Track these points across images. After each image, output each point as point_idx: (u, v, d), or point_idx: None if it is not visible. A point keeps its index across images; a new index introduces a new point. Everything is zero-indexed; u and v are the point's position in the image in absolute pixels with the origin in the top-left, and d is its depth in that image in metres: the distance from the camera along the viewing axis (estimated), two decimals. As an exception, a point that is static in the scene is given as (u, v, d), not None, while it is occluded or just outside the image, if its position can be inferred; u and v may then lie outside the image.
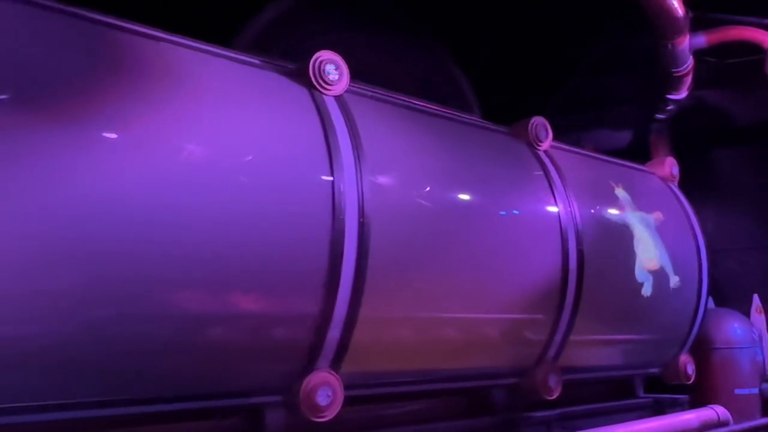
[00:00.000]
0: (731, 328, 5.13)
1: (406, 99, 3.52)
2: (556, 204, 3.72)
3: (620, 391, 4.68)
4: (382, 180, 2.99)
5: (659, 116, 6.08)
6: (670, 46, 4.67)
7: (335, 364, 2.84)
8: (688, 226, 4.69)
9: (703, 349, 4.97)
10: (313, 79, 3.01)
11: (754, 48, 5.58)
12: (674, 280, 4.37)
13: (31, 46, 2.26)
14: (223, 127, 2.62)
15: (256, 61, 3.00)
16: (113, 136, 2.34)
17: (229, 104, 2.70)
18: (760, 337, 5.37)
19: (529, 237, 3.54)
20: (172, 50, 2.69)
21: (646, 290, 4.11)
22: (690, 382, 4.65)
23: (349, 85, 3.11)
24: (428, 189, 3.19)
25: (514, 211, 3.56)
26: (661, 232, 4.36)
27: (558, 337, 3.69)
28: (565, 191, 3.82)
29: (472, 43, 5.26)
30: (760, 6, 5.15)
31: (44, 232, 2.14)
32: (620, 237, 4.09)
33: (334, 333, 2.78)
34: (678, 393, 4.83)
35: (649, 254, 4.19)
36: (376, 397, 3.27)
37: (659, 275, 4.25)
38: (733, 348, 5.05)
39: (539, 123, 4.00)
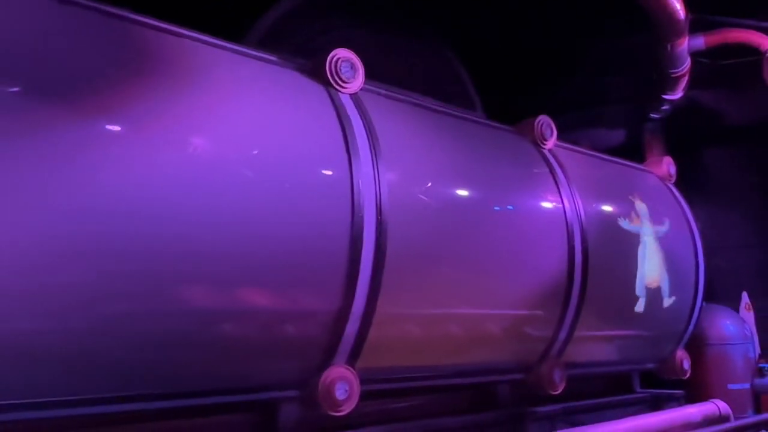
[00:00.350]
0: (724, 324, 5.24)
1: (417, 98, 3.56)
2: (562, 202, 3.78)
3: (617, 386, 4.77)
4: (398, 177, 3.02)
5: (654, 115, 6.16)
6: (669, 47, 4.74)
7: (351, 359, 2.88)
8: (685, 225, 4.78)
9: (697, 345, 5.07)
10: (329, 76, 3.04)
11: (746, 50, 5.68)
12: (673, 279, 4.45)
13: (55, 42, 2.26)
14: (245, 124, 2.64)
15: (273, 58, 3.01)
16: (134, 132, 2.34)
17: (250, 101, 2.72)
18: (752, 334, 5.49)
19: (537, 235, 3.60)
20: (193, 47, 2.69)
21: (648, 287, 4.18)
22: (686, 377, 4.75)
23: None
24: (441, 187, 3.23)
25: (523, 210, 3.61)
26: (659, 232, 4.44)
27: (563, 334, 3.76)
28: (570, 190, 3.88)
29: (473, 42, 5.30)
30: (757, 9, 5.24)
31: (65, 229, 2.14)
32: (622, 236, 4.16)
33: (351, 329, 2.81)
34: (671, 388, 4.93)
35: (648, 255, 4.27)
36: (383, 392, 3.30)
37: (659, 275, 4.33)
38: (726, 344, 5.16)
39: (545, 122, 4.06)
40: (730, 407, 4.60)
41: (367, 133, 2.97)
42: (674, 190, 5.01)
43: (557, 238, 3.68)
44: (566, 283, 3.69)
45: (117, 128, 2.30)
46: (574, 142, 4.87)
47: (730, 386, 5.01)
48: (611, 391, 4.63)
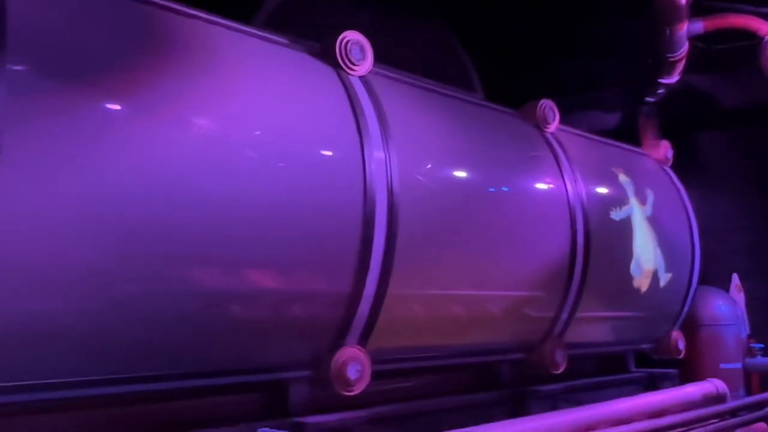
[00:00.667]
0: (717, 305, 5.35)
1: (424, 81, 3.57)
2: (565, 185, 3.83)
3: (613, 366, 4.85)
4: (408, 160, 3.04)
5: (649, 99, 6.20)
6: (668, 31, 4.78)
7: (363, 340, 2.92)
8: (682, 208, 4.85)
9: (690, 326, 5.17)
10: (339, 59, 3.04)
11: (741, 34, 5.73)
12: (669, 261, 4.53)
13: (70, 24, 2.25)
14: (260, 106, 2.65)
15: (284, 41, 3.01)
16: (148, 115, 2.33)
17: (264, 83, 2.72)
18: (743, 314, 5.60)
19: (541, 217, 3.65)
20: (207, 28, 2.69)
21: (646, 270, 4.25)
22: (681, 356, 4.85)
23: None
24: (449, 170, 3.26)
25: (528, 193, 3.66)
26: (657, 215, 4.51)
27: (565, 314, 3.82)
28: (573, 173, 3.93)
29: (473, 24, 5.30)
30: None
31: (81, 211, 2.14)
32: (623, 219, 4.22)
33: (363, 310, 2.85)
34: (662, 367, 5.03)
35: (646, 237, 4.34)
36: (391, 372, 3.34)
37: (657, 256, 4.40)
38: (718, 325, 5.27)
39: (547, 105, 4.09)
40: (725, 386, 4.71)
41: (377, 116, 2.98)
42: (671, 173, 5.08)
43: (560, 221, 3.73)
44: (569, 264, 3.75)
45: (132, 111, 2.30)
46: (571, 125, 4.92)
47: (722, 365, 5.12)
48: (607, 371, 4.72)
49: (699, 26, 5.20)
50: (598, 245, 3.88)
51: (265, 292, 2.66)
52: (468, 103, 3.75)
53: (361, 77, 3.10)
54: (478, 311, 3.40)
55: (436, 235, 3.11)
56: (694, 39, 5.66)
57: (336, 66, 3.04)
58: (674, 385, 4.71)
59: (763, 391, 5.32)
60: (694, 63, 6.04)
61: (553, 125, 4.09)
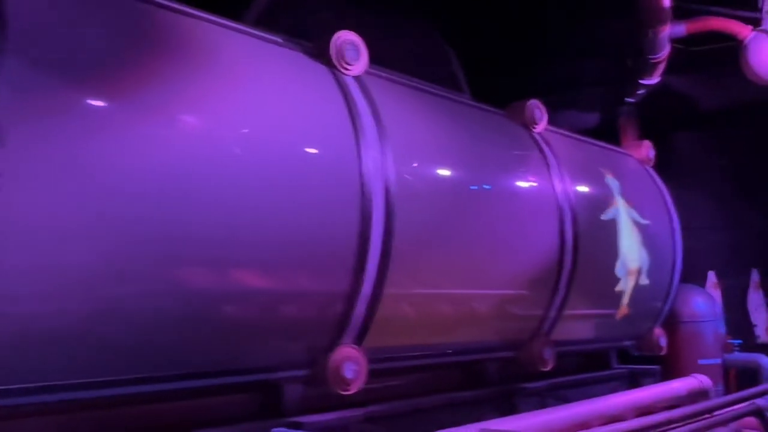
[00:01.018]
0: (696, 302, 5.45)
1: (416, 81, 3.59)
2: (553, 185, 3.88)
3: (596, 363, 4.93)
4: (403, 160, 3.06)
5: (629, 99, 6.30)
6: (652, 33, 4.86)
7: (359, 339, 2.92)
8: (664, 208, 4.94)
9: (670, 322, 5.27)
10: (334, 58, 3.04)
11: (718, 36, 5.85)
12: (652, 259, 4.62)
13: (72, 23, 2.22)
14: (257, 106, 2.64)
15: (279, 40, 3.00)
16: (146, 115, 2.31)
17: (261, 82, 2.71)
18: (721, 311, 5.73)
19: (532, 217, 3.70)
20: (203, 27, 2.67)
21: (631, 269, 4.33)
22: (663, 353, 4.94)
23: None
24: (443, 169, 3.28)
25: (519, 192, 3.70)
26: (642, 214, 4.59)
27: (553, 312, 3.87)
28: (561, 172, 3.98)
29: (459, 24, 5.34)
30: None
31: (81, 212, 2.11)
32: (609, 218, 4.29)
33: (360, 309, 2.86)
34: (642, 364, 5.12)
35: (632, 237, 4.42)
36: (385, 371, 3.35)
37: (641, 256, 4.48)
38: (698, 321, 5.37)
39: (535, 105, 4.13)
40: (704, 382, 4.81)
41: (372, 116, 2.99)
42: (653, 173, 5.17)
43: (550, 220, 3.78)
44: (557, 262, 3.80)
45: (129, 110, 2.27)
46: (552, 125, 4.98)
47: (701, 361, 5.22)
48: (589, 368, 4.79)
49: (681, 29, 5.31)
50: (585, 245, 3.94)
51: (263, 292, 2.65)
52: (459, 103, 3.78)
53: (355, 77, 3.10)
54: (471, 309, 3.43)
55: (431, 234, 3.14)
56: (674, 41, 5.77)
57: (330, 65, 3.04)
58: (655, 381, 4.81)
59: (740, 386, 5.46)
60: (672, 64, 6.16)
61: (541, 125, 4.14)
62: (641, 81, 5.84)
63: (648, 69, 5.53)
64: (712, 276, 6.73)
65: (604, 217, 4.23)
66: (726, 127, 6.80)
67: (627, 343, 4.93)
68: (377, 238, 2.83)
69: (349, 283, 2.80)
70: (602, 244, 4.22)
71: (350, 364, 2.85)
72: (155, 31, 2.44)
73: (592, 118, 7.01)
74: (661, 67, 5.60)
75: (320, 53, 3.05)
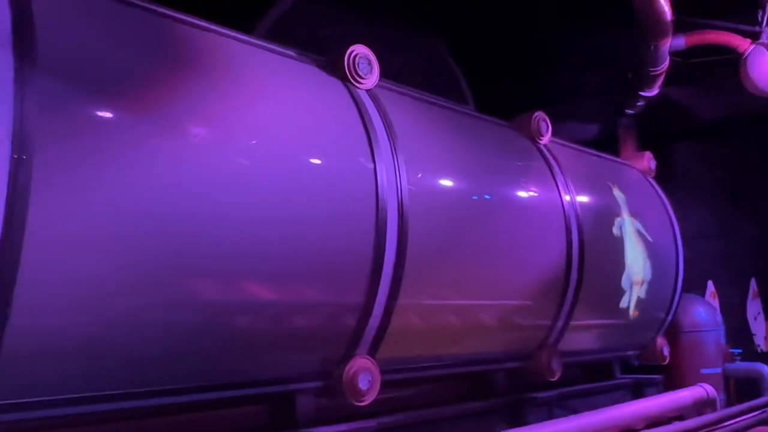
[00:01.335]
0: (697, 312, 5.50)
1: (426, 94, 3.63)
2: (560, 196, 3.91)
3: (598, 373, 4.96)
4: (415, 172, 3.08)
5: (628, 111, 6.36)
6: (653, 47, 4.92)
7: (372, 350, 2.94)
8: (667, 219, 4.99)
9: (672, 332, 5.30)
10: (347, 72, 3.07)
11: (716, 49, 5.92)
12: (656, 270, 4.66)
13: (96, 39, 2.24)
14: (276, 119, 2.66)
15: (293, 53, 3.03)
16: (168, 130, 2.33)
17: (278, 96, 2.73)
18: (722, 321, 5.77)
19: (540, 229, 3.73)
20: (221, 41, 2.69)
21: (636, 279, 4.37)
22: (665, 362, 4.98)
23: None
24: (454, 182, 3.31)
25: (527, 204, 3.74)
26: (646, 226, 4.63)
27: (560, 322, 3.90)
28: (567, 184, 4.02)
29: (463, 36, 5.39)
30: (736, 12, 5.48)
31: (99, 227, 2.12)
32: (612, 229, 4.33)
33: (374, 321, 2.88)
34: (643, 374, 5.15)
35: (637, 249, 4.46)
36: (393, 382, 3.36)
37: (646, 267, 4.53)
38: (699, 331, 5.41)
39: (541, 117, 4.17)
40: (707, 391, 4.84)
41: (386, 128, 3.02)
42: (654, 184, 5.22)
43: (557, 232, 3.82)
44: (564, 273, 3.83)
45: (150, 126, 2.28)
46: (553, 136, 5.03)
47: (703, 371, 5.26)
48: (593, 378, 4.82)
49: (681, 42, 5.37)
50: (592, 256, 3.97)
51: (278, 305, 2.66)
52: (467, 116, 3.82)
53: (368, 90, 3.13)
54: (481, 320, 3.45)
55: (442, 246, 3.16)
56: (673, 54, 5.84)
57: (344, 79, 3.07)
58: (659, 391, 4.84)
59: (740, 395, 5.51)
60: (670, 76, 6.23)
61: (546, 137, 4.18)
62: (641, 93, 5.90)
63: (648, 81, 5.59)
64: (710, 285, 6.78)
65: (608, 227, 4.27)
66: (724, 139, 6.88)
67: (630, 352, 4.96)
68: (391, 250, 2.85)
69: (364, 295, 2.82)
70: (608, 256, 4.25)
71: (365, 375, 2.86)
72: (176, 46, 2.47)
73: (592, 129, 7.07)
74: (661, 79, 5.66)
75: (333, 66, 3.09)
